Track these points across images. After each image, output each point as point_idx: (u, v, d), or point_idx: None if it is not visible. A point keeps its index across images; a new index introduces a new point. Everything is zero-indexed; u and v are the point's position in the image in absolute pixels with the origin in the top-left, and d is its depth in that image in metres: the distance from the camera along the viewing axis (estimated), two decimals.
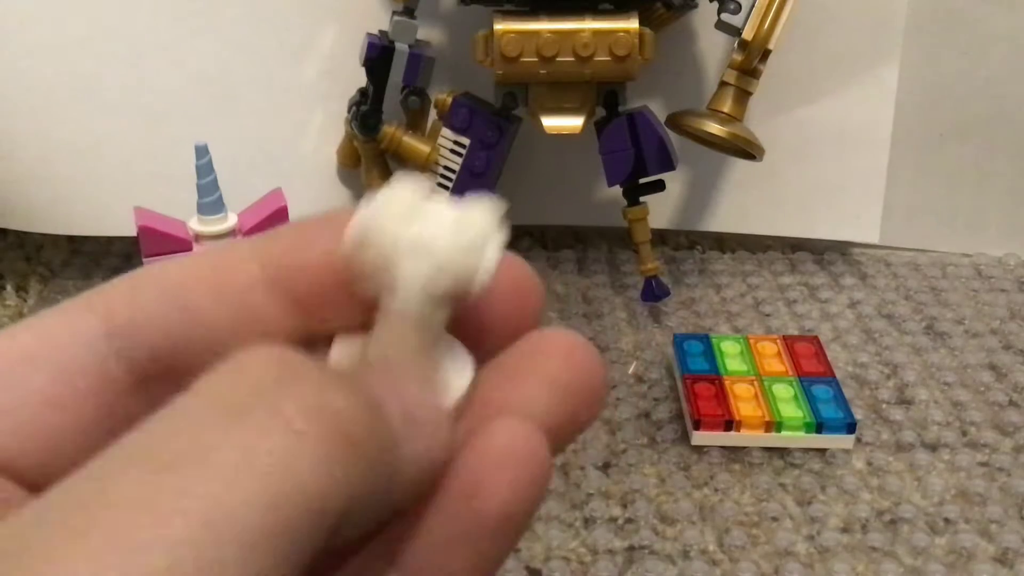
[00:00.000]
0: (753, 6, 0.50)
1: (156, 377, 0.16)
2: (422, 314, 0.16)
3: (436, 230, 0.16)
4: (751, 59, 0.51)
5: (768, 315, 0.56)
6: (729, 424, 0.45)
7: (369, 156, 0.56)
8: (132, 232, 0.38)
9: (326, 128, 0.59)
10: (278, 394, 0.13)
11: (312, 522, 0.13)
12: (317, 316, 0.17)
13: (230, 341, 0.16)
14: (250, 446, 0.13)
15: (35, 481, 0.15)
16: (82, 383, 0.16)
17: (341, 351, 0.17)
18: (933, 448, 0.46)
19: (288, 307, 0.17)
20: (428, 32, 0.56)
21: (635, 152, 0.53)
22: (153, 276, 0.17)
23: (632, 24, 0.49)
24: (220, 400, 0.13)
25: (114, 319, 0.16)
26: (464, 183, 0.54)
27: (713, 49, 0.58)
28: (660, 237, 0.63)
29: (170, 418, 0.13)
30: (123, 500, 0.12)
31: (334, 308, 0.17)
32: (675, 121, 0.53)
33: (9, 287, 0.57)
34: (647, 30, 0.50)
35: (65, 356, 0.16)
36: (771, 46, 0.50)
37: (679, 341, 0.50)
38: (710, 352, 0.49)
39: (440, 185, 0.55)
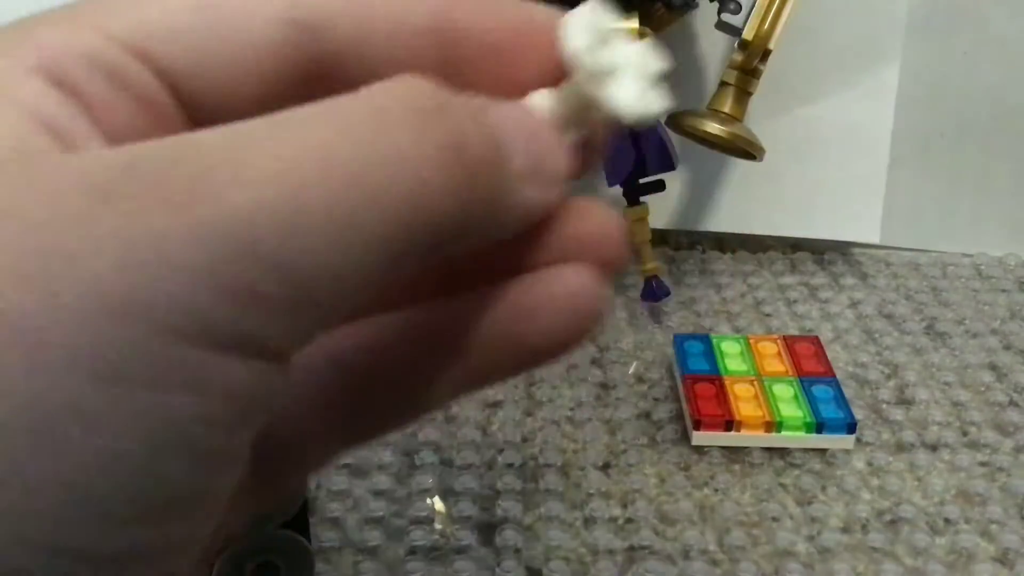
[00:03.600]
0: (753, 6, 0.50)
1: (315, 77, 0.16)
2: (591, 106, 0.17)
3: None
4: (751, 59, 0.51)
5: (768, 315, 0.56)
6: (729, 424, 0.45)
7: None
8: None
9: None
10: (421, 109, 0.15)
11: (413, 219, 0.14)
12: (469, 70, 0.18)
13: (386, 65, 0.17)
14: (380, 133, 0.14)
15: (187, 97, 0.16)
16: (257, 51, 0.16)
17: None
18: (933, 448, 0.46)
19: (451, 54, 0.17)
20: None
21: (635, 152, 0.53)
22: None
23: (632, 24, 0.49)
24: (367, 100, 0.14)
25: (301, 5, 0.16)
26: None
27: (713, 49, 0.58)
28: (660, 237, 0.63)
29: (323, 105, 0.14)
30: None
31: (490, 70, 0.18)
32: (675, 121, 0.53)
33: None
34: (647, 30, 0.50)
35: (250, 23, 0.16)
36: (771, 46, 0.50)
37: (679, 341, 0.50)
38: (710, 352, 0.49)
39: None
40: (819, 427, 0.45)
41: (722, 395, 0.46)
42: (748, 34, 0.50)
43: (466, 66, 0.17)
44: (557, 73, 0.18)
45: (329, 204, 0.13)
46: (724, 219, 0.63)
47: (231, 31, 0.16)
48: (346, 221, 0.13)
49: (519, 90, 0.18)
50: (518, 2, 0.18)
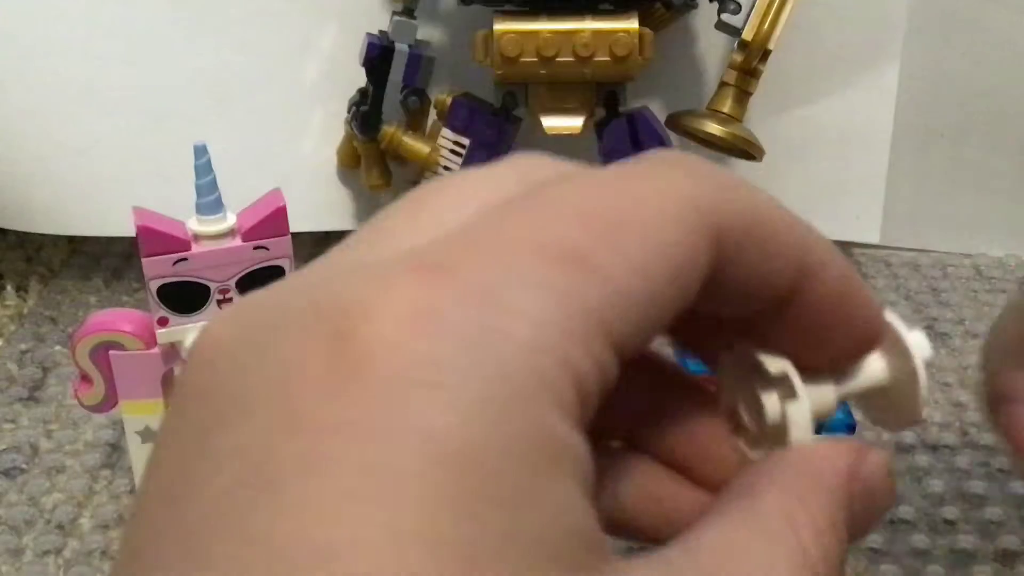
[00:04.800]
0: (753, 6, 0.50)
1: (727, 260, 0.16)
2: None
3: None
4: (751, 59, 0.50)
5: None
6: None
7: (369, 156, 0.56)
8: (132, 232, 0.38)
9: (326, 128, 0.59)
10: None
11: None
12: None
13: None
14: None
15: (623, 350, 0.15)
16: (671, 253, 0.15)
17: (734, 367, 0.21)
18: (933, 449, 0.46)
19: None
20: (428, 32, 0.56)
21: (635, 152, 0.53)
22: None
23: (632, 24, 0.49)
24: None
25: (721, 248, 0.16)
26: None
27: (713, 49, 0.58)
28: None
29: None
30: None
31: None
32: (675, 121, 0.53)
33: (9, 287, 0.57)
34: (647, 30, 0.50)
35: (659, 221, 0.15)
36: (771, 46, 0.50)
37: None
38: None
39: None
40: (819, 428, 0.45)
41: None
42: (748, 34, 0.50)
43: (799, 311, 0.18)
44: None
45: None
46: None
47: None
48: None
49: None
50: (870, 297, 0.19)
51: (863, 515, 0.18)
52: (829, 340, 0.19)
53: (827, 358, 0.19)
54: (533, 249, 0.14)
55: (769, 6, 0.50)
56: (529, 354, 0.13)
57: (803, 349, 0.19)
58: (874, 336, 0.19)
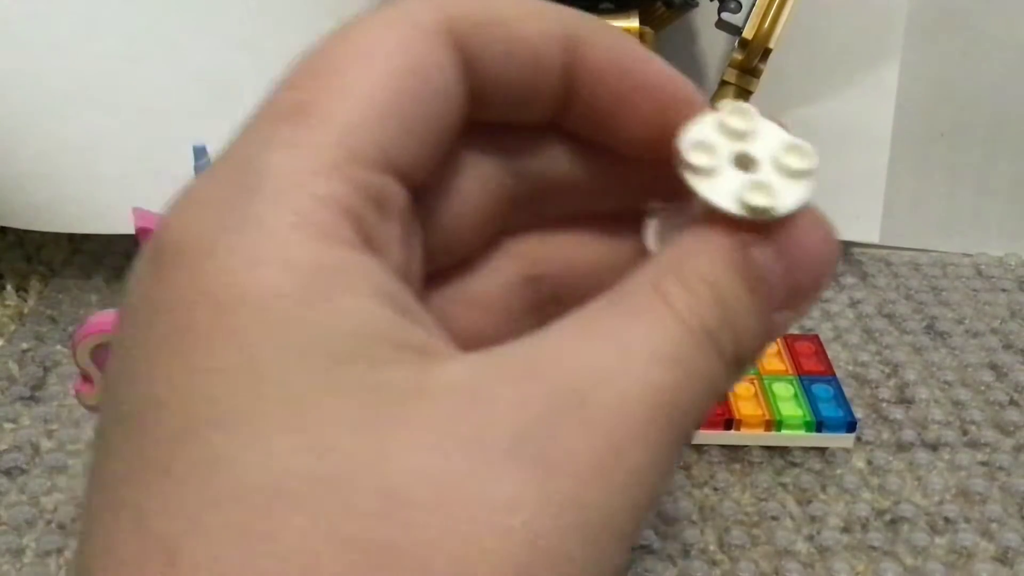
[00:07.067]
0: (753, 5, 0.50)
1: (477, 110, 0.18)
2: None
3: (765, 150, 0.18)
4: (751, 58, 0.50)
5: None
6: (729, 423, 0.45)
7: None
8: (132, 231, 0.38)
9: None
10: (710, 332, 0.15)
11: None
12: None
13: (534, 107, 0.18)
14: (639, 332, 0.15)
15: (409, 179, 0.17)
16: (395, 68, 0.17)
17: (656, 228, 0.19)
18: (933, 447, 0.46)
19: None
20: None
21: None
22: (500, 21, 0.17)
23: (632, 23, 0.49)
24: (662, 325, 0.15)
25: (464, 50, 0.17)
26: None
27: (713, 49, 0.58)
28: None
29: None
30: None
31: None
32: None
33: (9, 287, 0.57)
34: (647, 29, 0.50)
35: (377, 50, 0.17)
36: (772, 45, 0.50)
37: None
38: None
39: None
40: (819, 426, 0.45)
41: None
42: (748, 33, 0.50)
43: (585, 92, 0.18)
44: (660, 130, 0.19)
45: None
46: None
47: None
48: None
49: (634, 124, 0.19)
50: (657, 63, 0.20)
51: (786, 277, 0.16)
52: (637, 110, 0.19)
53: (651, 134, 0.19)
54: (264, 118, 0.17)
55: (769, 5, 0.50)
56: (275, 202, 0.15)
57: (621, 133, 0.19)
58: (681, 98, 0.20)
